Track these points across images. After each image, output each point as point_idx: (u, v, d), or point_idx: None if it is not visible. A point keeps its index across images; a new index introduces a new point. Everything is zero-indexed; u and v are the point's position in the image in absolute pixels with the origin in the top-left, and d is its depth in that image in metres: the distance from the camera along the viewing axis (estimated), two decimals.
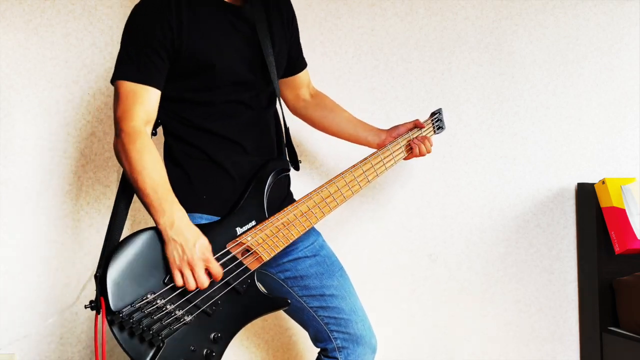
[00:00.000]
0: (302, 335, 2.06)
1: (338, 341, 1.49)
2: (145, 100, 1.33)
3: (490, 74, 2.24)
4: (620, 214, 2.11)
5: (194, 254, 1.26)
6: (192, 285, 1.27)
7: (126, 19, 1.38)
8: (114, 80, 1.35)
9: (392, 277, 2.16)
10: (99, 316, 1.24)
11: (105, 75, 1.96)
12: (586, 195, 2.23)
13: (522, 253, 2.25)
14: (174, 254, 1.27)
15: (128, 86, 1.33)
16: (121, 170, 1.36)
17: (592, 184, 2.22)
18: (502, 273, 2.23)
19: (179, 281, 1.26)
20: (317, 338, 1.52)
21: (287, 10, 1.58)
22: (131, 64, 1.34)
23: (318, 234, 1.58)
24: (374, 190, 2.16)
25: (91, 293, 1.69)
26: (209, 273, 1.29)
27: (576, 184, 2.29)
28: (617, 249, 2.12)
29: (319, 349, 1.54)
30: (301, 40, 1.65)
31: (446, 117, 2.18)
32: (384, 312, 2.14)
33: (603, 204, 2.17)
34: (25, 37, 1.92)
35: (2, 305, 1.89)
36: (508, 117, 2.25)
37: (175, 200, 1.30)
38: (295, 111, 1.74)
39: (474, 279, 2.21)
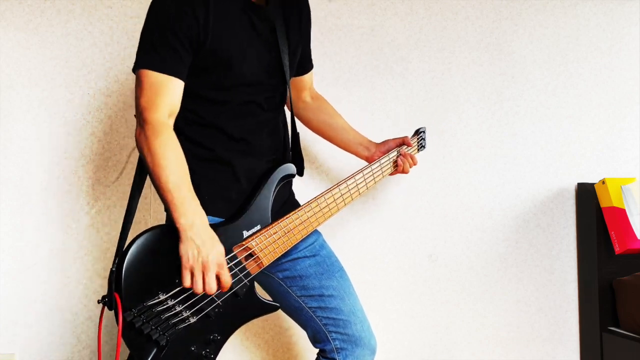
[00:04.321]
0: (302, 336, 2.06)
1: (336, 342, 1.47)
2: (170, 92, 1.30)
3: (490, 74, 2.24)
4: (620, 214, 2.11)
5: (209, 257, 1.23)
6: (200, 289, 1.23)
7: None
8: (137, 69, 1.31)
9: (392, 277, 2.15)
10: (108, 311, 1.24)
11: (105, 75, 1.96)
12: (586, 195, 2.23)
13: (522, 253, 2.25)
14: (188, 252, 1.23)
15: (152, 76, 1.29)
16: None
17: (592, 184, 2.21)
18: (502, 273, 2.23)
19: (187, 281, 1.23)
20: (316, 339, 1.51)
21: (307, 12, 1.57)
22: (156, 53, 1.29)
23: (318, 233, 1.57)
24: (374, 191, 2.16)
25: (88, 291, 1.69)
26: (218, 281, 1.26)
27: (576, 184, 2.29)
28: (617, 249, 2.12)
29: (317, 350, 1.54)
30: None
31: (446, 117, 2.19)
32: (384, 313, 2.14)
33: (603, 204, 2.16)
34: (25, 37, 1.92)
35: (2, 305, 1.89)
36: (508, 117, 2.25)
37: (197, 201, 1.27)
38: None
39: (474, 279, 2.21)
